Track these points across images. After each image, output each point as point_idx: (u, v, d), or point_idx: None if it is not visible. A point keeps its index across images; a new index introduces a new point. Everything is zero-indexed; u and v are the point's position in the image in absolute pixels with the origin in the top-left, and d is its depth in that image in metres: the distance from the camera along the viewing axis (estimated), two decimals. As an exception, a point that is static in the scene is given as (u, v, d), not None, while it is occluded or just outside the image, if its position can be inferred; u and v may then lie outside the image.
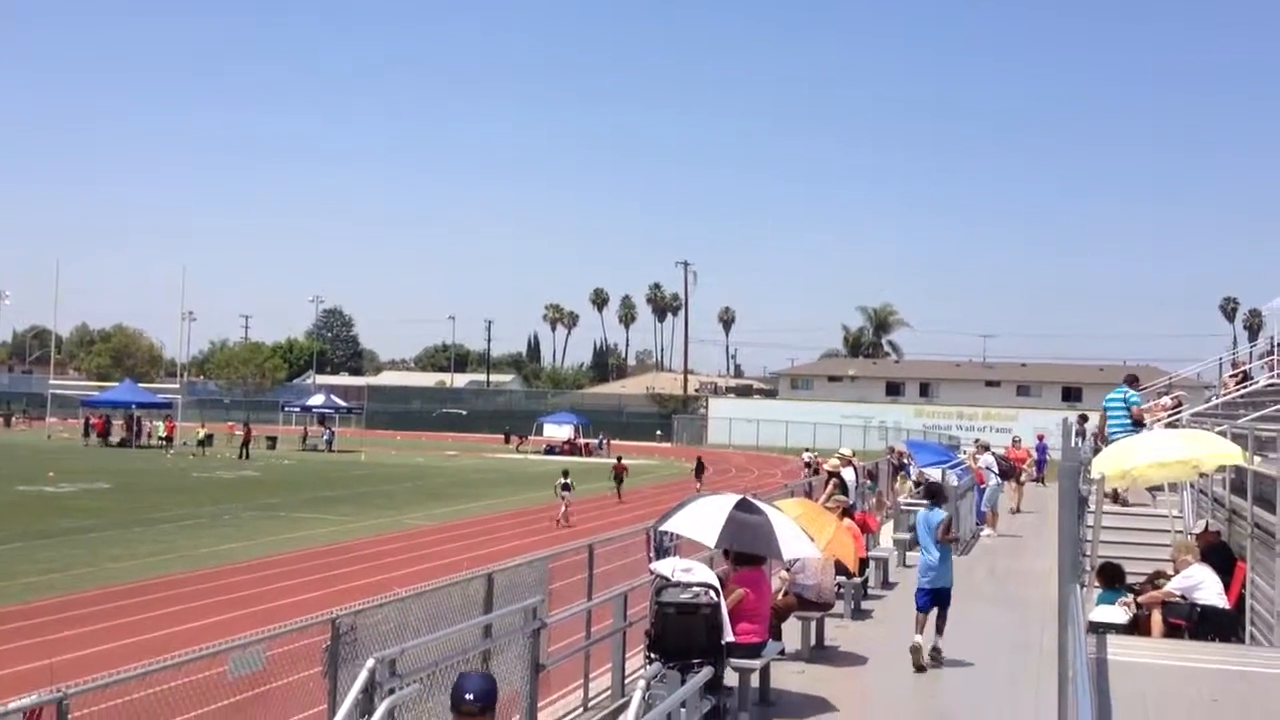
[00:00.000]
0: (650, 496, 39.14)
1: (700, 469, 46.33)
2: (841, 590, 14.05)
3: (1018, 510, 29.01)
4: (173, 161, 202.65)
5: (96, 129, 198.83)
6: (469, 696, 5.03)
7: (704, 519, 9.96)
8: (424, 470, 50.70)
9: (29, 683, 12.17)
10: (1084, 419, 28.14)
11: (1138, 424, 17.24)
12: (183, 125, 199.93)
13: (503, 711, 8.82)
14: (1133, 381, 18.35)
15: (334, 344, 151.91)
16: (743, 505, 10.08)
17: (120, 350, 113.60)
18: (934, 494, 13.46)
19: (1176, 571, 11.36)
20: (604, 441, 71.98)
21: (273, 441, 64.20)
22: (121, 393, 69.08)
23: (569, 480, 32.02)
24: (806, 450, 55.05)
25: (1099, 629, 10.75)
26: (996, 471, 26.46)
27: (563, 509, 30.90)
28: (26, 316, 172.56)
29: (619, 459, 44.54)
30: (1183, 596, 11.01)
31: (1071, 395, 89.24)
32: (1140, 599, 11.45)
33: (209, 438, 59.03)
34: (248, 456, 55.18)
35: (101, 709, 5.91)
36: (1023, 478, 31.14)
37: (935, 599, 12.20)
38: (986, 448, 28.29)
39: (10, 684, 12.45)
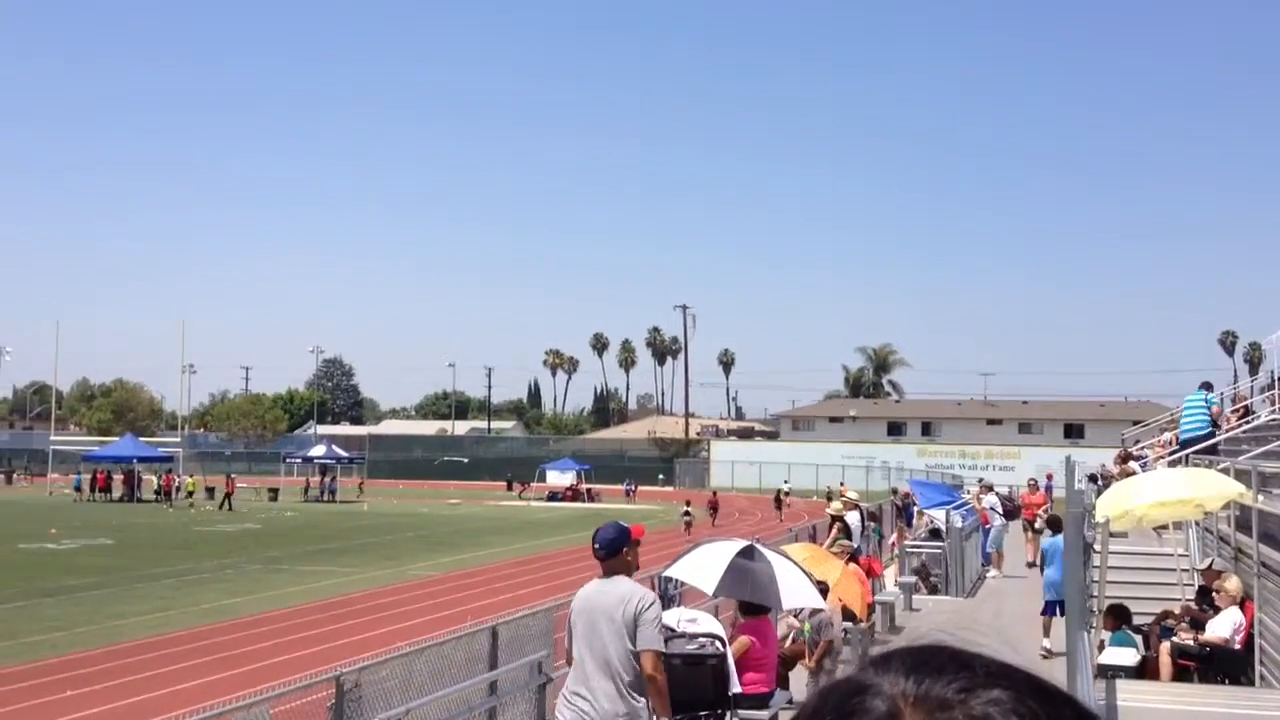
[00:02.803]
0: (653, 543, 38.99)
1: (715, 509, 50.30)
2: (849, 636, 13.97)
3: (1033, 564, 25.06)
4: (170, 214, 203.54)
5: (94, 182, 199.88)
6: (596, 545, 6.99)
7: (705, 566, 9.94)
8: (427, 519, 50.57)
9: (32, 745, 12.11)
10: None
11: (1214, 424, 19.48)
12: (180, 177, 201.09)
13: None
14: (1209, 387, 20.63)
15: (334, 393, 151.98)
16: (746, 552, 10.04)
17: (121, 404, 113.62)
18: (1054, 524, 17.33)
19: (1215, 608, 11.28)
20: (632, 488, 72.02)
21: (274, 493, 64.07)
22: (123, 447, 69.00)
23: (689, 510, 44.63)
24: (785, 482, 57.73)
25: (1108, 672, 10.70)
26: (1001, 512, 26.41)
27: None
28: (27, 372, 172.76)
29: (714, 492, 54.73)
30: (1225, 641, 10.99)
31: (1073, 432, 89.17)
32: (1188, 637, 11.39)
33: (189, 492, 59.87)
34: (230, 508, 55.09)
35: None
36: (1038, 524, 26.12)
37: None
38: (990, 488, 28.24)
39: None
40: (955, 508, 24.71)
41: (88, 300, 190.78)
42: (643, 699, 6.78)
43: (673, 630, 9.16)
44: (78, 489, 64.50)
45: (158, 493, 62.99)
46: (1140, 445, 27.32)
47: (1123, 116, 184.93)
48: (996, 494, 27.59)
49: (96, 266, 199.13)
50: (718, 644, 8.98)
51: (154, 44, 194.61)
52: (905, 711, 0.90)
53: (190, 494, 59.20)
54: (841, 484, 63.16)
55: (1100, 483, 20.50)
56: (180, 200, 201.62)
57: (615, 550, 6.95)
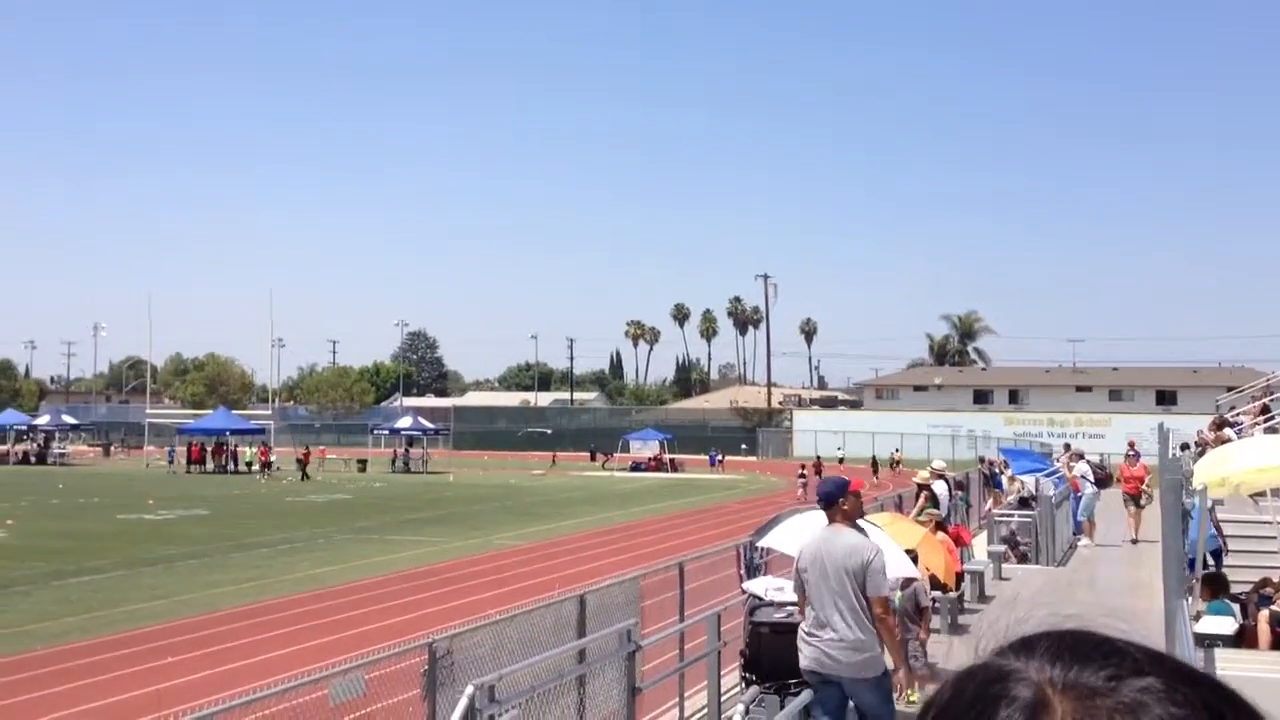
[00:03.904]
0: (735, 512, 39.01)
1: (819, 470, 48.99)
2: (938, 605, 13.86)
3: (1136, 540, 24.74)
4: (257, 192, 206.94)
5: (183, 161, 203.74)
6: (816, 495, 7.98)
7: (798, 535, 9.89)
8: (512, 490, 51.05)
9: (139, 710, 12.47)
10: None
11: None
12: (267, 155, 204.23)
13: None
14: None
15: (419, 366, 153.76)
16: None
17: (213, 378, 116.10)
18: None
19: None
20: (720, 458, 71.95)
21: (363, 464, 65.13)
22: (216, 420, 70.58)
23: (804, 473, 46.26)
24: (895, 450, 58.28)
25: (1206, 641, 10.49)
26: (1092, 479, 25.96)
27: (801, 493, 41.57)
28: (123, 348, 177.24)
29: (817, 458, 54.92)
30: None
31: (1166, 399, 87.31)
32: None
33: (247, 463, 63.70)
34: (305, 478, 56.47)
35: (209, 737, 6.02)
36: (1143, 500, 25.38)
37: None
38: (1081, 455, 27.74)
39: (120, 711, 12.77)
40: (1046, 475, 24.35)
41: (180, 277, 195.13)
42: (873, 633, 7.55)
43: (760, 599, 9.16)
44: (170, 461, 66.12)
45: (249, 464, 64.48)
46: (1235, 411, 26.65)
47: (1219, 79, 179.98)
48: (1088, 461, 27.09)
49: (188, 244, 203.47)
50: (806, 612, 8.95)
51: (233, 16, 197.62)
52: (1054, 699, 0.87)
53: (250, 464, 63.35)
54: (896, 449, 64.52)
55: (1195, 449, 20.07)
56: (267, 177, 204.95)
57: (832, 501, 7.78)
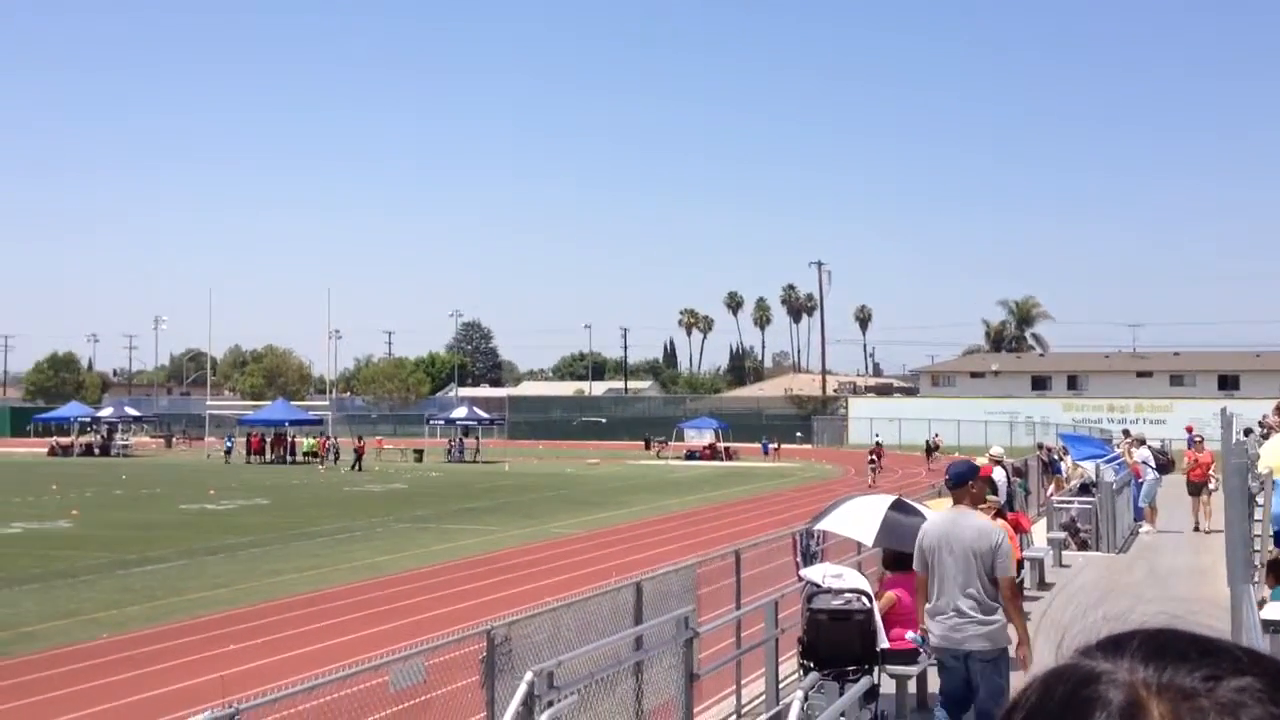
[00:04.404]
0: (790, 500, 38.89)
1: (879, 454, 50.96)
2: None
3: (1200, 529, 23.98)
4: (314, 185, 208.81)
5: (241, 157, 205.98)
6: (946, 476, 8.47)
7: (860, 519, 9.86)
8: (567, 479, 51.21)
9: (202, 696, 12.64)
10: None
11: None
12: (323, 149, 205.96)
13: (656, 717, 8.83)
14: None
15: (474, 356, 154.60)
16: (898, 505, 9.93)
17: (271, 370, 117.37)
18: None
19: None
20: (775, 446, 71.45)
21: (419, 454, 65.62)
22: (275, 411, 71.43)
23: (874, 458, 48.19)
24: (935, 435, 57.86)
25: (1273, 628, 10.31)
26: (1154, 465, 25.58)
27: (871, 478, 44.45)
28: (183, 340, 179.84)
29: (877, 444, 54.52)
30: None
31: (1228, 384, 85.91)
32: None
33: (304, 452, 65.74)
34: (359, 469, 56.91)
35: (272, 721, 6.08)
36: (1212, 485, 24.07)
37: None
38: (1142, 441, 27.32)
39: (185, 697, 12.95)
40: (1107, 461, 24.04)
41: (239, 270, 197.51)
42: (997, 611, 7.85)
43: (818, 586, 9.11)
44: (228, 452, 66.99)
45: (310, 453, 65.30)
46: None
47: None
48: (1149, 447, 26.69)
49: (246, 237, 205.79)
50: (864, 599, 8.91)
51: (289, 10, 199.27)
52: (1149, 702, 0.83)
53: (311, 453, 64.84)
54: (937, 435, 63.18)
55: (1261, 433, 19.72)
56: (323, 171, 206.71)
57: (962, 482, 8.16)
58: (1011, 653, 8.00)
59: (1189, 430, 28.69)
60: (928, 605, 8.01)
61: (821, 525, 10.13)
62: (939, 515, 8.33)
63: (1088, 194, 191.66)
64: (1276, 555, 12.65)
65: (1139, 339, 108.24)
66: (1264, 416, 23.22)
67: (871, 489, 38.96)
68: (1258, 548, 12.65)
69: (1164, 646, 0.86)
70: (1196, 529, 24.02)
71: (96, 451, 73.37)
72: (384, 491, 44.06)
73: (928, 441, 59.94)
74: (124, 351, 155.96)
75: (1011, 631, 7.99)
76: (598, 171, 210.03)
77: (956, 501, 8.16)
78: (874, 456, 48.87)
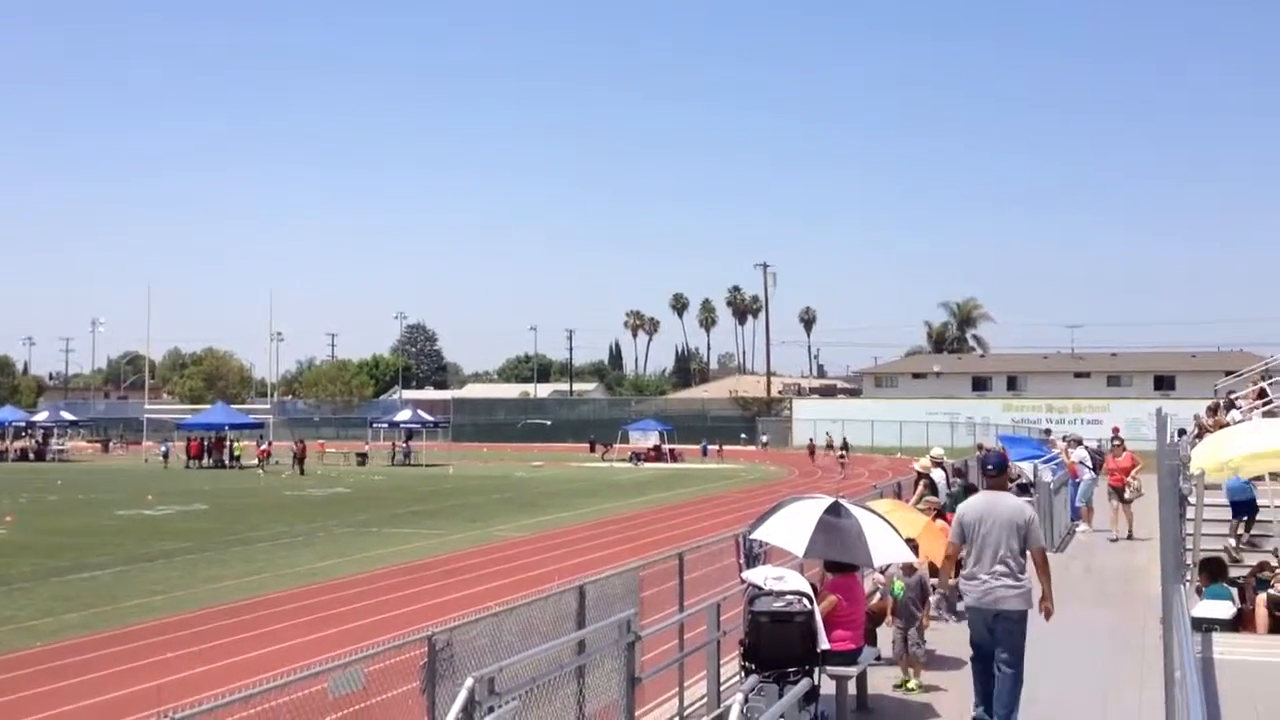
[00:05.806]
0: (734, 501, 39.03)
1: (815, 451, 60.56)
2: (938, 593, 13.85)
3: (1130, 536, 22.81)
4: (257, 185, 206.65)
5: (181, 155, 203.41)
6: (989, 466, 9.90)
7: (793, 527, 9.88)
8: (511, 482, 51.08)
9: (138, 705, 12.47)
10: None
11: None
12: (267, 147, 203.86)
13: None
14: None
15: (418, 359, 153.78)
16: (833, 509, 9.97)
17: (211, 373, 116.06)
18: None
19: None
20: (716, 447, 72.60)
21: (363, 458, 65.13)
22: (215, 415, 70.54)
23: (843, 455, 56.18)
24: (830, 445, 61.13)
25: (1203, 625, 10.50)
26: (1090, 465, 25.97)
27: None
28: (120, 343, 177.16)
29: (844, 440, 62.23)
30: None
31: (1164, 384, 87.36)
32: None
33: (235, 455, 65.58)
34: (302, 472, 56.51)
35: (208, 731, 6.00)
36: (1128, 494, 23.07)
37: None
38: (1079, 441, 27.70)
39: (120, 707, 12.77)
40: (1044, 461, 24.36)
41: (178, 271, 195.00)
42: (1026, 575, 9.24)
43: (760, 588, 9.14)
44: (165, 457, 65.99)
45: (236, 458, 65.24)
46: (1234, 396, 26.63)
47: (1220, 62, 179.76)
48: (1086, 447, 27.08)
49: (186, 238, 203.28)
50: (805, 601, 8.96)
51: (232, 10, 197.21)
52: None
53: (237, 458, 64.88)
54: (828, 433, 66.27)
55: (1193, 434, 20.06)
56: (266, 170, 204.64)
57: (1001, 470, 9.80)
58: (1037, 609, 9.29)
59: (1114, 431, 27.74)
60: (964, 570, 9.43)
61: (756, 534, 10.17)
62: (978, 496, 9.69)
63: (1028, 196, 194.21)
64: (1209, 555, 12.91)
65: (1077, 340, 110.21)
66: (1196, 417, 23.64)
67: (844, 483, 42.02)
68: (1189, 547, 12.87)
69: None
70: (1126, 537, 22.77)
71: (31, 456, 72.15)
72: (326, 496, 43.69)
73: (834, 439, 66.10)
74: (60, 355, 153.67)
75: (1036, 592, 9.30)
76: (542, 174, 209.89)
77: (994, 488, 9.62)
78: (843, 455, 56.79)
